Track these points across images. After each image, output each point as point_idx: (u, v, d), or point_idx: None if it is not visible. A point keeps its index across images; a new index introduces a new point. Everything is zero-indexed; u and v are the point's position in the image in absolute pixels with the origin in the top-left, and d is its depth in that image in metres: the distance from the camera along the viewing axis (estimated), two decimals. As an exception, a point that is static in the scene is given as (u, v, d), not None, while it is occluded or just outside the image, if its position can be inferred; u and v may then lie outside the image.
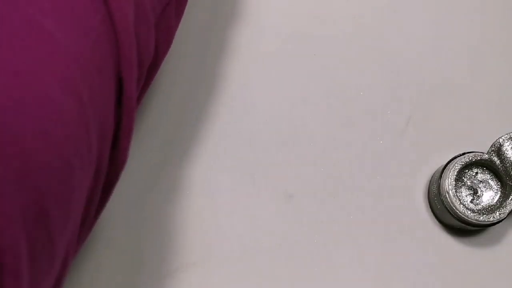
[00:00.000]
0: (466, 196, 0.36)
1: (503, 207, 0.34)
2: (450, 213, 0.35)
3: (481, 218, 0.34)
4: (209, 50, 0.40)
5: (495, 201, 0.35)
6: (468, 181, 0.36)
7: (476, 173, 0.36)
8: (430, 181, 0.37)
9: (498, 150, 0.35)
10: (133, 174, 0.36)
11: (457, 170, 0.35)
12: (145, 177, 0.37)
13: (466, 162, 0.35)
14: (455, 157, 0.36)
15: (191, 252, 0.36)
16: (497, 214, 0.34)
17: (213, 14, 0.39)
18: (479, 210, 0.35)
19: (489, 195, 0.36)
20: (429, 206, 0.37)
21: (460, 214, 0.34)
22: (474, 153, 0.35)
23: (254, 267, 0.36)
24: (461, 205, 0.34)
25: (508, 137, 0.35)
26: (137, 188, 0.37)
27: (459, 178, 0.35)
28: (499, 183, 0.36)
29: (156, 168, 0.37)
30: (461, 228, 0.36)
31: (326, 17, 0.41)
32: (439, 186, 0.35)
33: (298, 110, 0.39)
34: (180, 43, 0.38)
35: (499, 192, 0.36)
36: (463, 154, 0.35)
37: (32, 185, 0.17)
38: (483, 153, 0.35)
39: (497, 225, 0.35)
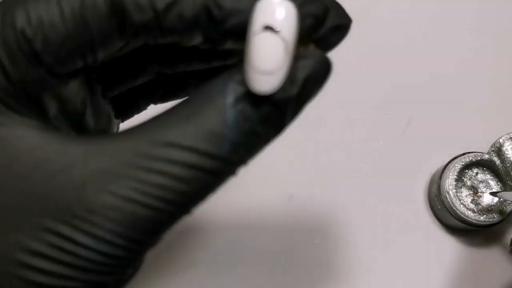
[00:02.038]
0: (466, 196, 0.36)
1: (503, 207, 0.34)
2: (450, 213, 0.35)
3: (481, 218, 0.34)
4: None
5: (495, 201, 0.35)
6: (468, 181, 0.36)
7: (476, 173, 0.36)
8: (430, 181, 0.37)
9: (498, 150, 0.35)
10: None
11: (457, 170, 0.35)
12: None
13: (466, 162, 0.35)
14: (455, 157, 0.36)
15: (191, 252, 0.36)
16: (497, 214, 0.34)
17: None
18: (479, 210, 0.35)
19: (489, 195, 0.35)
20: (429, 206, 0.37)
21: (460, 214, 0.34)
22: (474, 153, 0.35)
23: (254, 267, 0.36)
24: (461, 205, 0.34)
25: (508, 137, 0.35)
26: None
27: (459, 178, 0.35)
28: (499, 183, 0.36)
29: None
30: (461, 228, 0.36)
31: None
32: (439, 186, 0.35)
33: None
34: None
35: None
36: (463, 154, 0.35)
37: None
38: (483, 153, 0.35)
39: (497, 225, 0.35)
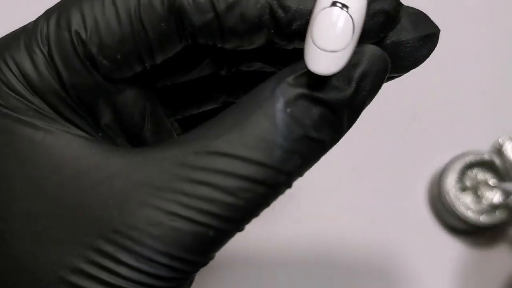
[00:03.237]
0: (466, 196, 0.36)
1: (503, 207, 0.34)
2: (451, 213, 0.35)
3: (481, 218, 0.34)
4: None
5: (496, 201, 0.35)
6: (468, 182, 0.36)
7: (477, 173, 0.36)
8: (431, 181, 0.37)
9: (498, 150, 0.35)
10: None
11: (458, 170, 0.35)
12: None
13: (467, 162, 0.35)
14: (455, 157, 0.36)
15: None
16: (497, 214, 0.34)
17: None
18: (479, 211, 0.35)
19: (489, 195, 0.36)
20: (429, 207, 0.37)
21: (460, 214, 0.34)
22: (475, 154, 0.35)
23: (254, 267, 0.36)
24: (462, 206, 0.34)
25: (508, 137, 0.35)
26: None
27: (459, 179, 0.35)
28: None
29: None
30: (462, 228, 0.36)
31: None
32: (439, 187, 0.35)
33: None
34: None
35: (499, 192, 0.36)
36: (464, 154, 0.35)
37: None
38: (483, 153, 0.35)
39: (497, 226, 0.35)
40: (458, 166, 0.35)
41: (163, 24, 0.17)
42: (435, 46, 0.19)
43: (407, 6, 0.19)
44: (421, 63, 0.19)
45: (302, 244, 0.36)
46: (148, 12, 0.17)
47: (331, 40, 0.15)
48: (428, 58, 0.41)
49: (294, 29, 0.17)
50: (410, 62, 0.18)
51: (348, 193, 0.37)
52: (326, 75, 0.16)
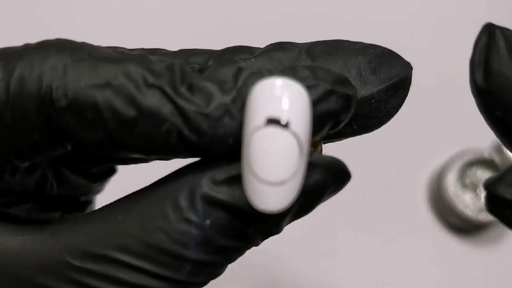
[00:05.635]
0: (466, 195, 0.35)
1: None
2: (450, 212, 0.35)
3: (481, 217, 0.34)
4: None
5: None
6: (468, 180, 0.36)
7: (476, 171, 0.36)
8: (430, 180, 0.37)
9: (497, 148, 0.35)
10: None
11: (457, 169, 0.35)
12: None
13: (466, 160, 0.35)
14: (455, 155, 0.36)
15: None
16: (497, 212, 0.34)
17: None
18: (479, 209, 0.35)
19: (489, 193, 0.35)
20: (429, 205, 0.37)
21: (460, 213, 0.34)
22: (474, 152, 0.35)
23: (254, 268, 0.36)
24: (461, 203, 0.34)
25: (508, 135, 0.35)
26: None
27: (459, 176, 0.35)
28: (499, 181, 0.36)
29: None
30: (461, 227, 0.36)
31: (323, 16, 0.41)
32: (439, 185, 0.35)
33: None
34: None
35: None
36: (463, 152, 0.35)
37: None
38: (483, 151, 0.35)
39: (497, 224, 0.34)
40: (458, 164, 0.35)
41: (36, 135, 0.14)
42: (407, 92, 0.15)
43: (368, 47, 0.14)
44: (393, 116, 0.15)
45: (301, 244, 0.36)
46: (18, 118, 0.14)
47: (275, 169, 0.12)
48: (427, 56, 0.41)
49: (214, 153, 0.13)
50: (379, 119, 0.15)
51: (347, 194, 0.37)
52: (275, 212, 0.13)
